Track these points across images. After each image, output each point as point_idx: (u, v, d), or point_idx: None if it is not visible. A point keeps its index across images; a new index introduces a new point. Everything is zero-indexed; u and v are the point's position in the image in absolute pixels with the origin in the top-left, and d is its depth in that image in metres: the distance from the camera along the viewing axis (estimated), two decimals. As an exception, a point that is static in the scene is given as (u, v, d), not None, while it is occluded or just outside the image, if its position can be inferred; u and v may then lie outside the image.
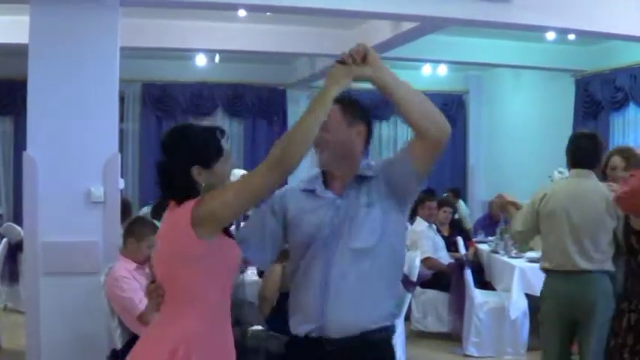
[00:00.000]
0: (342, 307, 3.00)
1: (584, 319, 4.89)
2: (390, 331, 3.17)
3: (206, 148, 3.01)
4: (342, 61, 2.94)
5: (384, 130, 13.68)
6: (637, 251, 4.04)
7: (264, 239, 3.18)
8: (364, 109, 3.21)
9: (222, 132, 3.10)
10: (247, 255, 3.13)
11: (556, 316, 5.02)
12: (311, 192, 3.18)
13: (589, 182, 5.04)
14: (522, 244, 5.19)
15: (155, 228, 5.65)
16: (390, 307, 3.16)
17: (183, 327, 2.89)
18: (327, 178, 3.20)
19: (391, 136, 13.76)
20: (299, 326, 3.08)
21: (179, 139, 3.08)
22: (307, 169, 3.26)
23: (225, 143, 3.06)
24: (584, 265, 4.88)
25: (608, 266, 4.90)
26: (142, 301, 5.16)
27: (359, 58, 2.93)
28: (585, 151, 5.06)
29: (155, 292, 3.02)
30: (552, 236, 5.01)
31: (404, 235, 3.31)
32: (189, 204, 2.91)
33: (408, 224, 9.61)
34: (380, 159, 3.19)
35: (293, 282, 3.17)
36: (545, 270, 5.15)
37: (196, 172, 2.98)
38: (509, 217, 5.51)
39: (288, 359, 3.29)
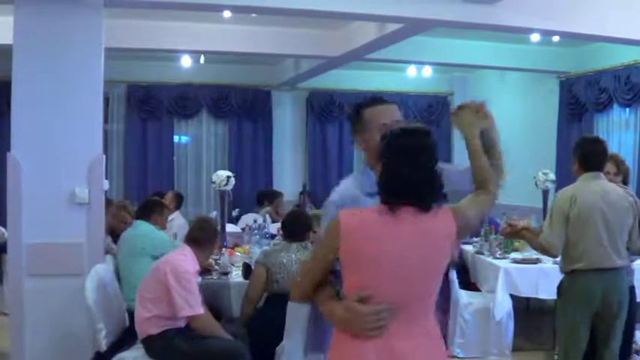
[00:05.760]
0: None
1: (611, 314, 5.12)
2: None
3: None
4: (462, 107, 3.28)
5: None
6: None
7: None
8: None
9: None
10: None
11: (587, 314, 5.17)
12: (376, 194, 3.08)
13: (607, 183, 5.27)
14: (558, 253, 5.30)
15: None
16: None
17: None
18: None
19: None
20: None
21: (431, 139, 2.94)
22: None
23: None
24: (617, 262, 5.12)
25: (628, 262, 5.24)
26: (200, 304, 5.23)
27: (481, 109, 3.25)
28: (598, 155, 5.29)
29: (386, 313, 2.82)
30: (588, 237, 5.13)
31: None
32: (445, 212, 2.89)
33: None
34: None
35: None
36: (573, 271, 5.22)
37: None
38: (526, 241, 5.75)
39: None
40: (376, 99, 3.38)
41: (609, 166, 5.48)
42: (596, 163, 5.26)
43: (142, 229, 6.71)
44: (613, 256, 5.10)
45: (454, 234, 2.87)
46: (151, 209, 6.89)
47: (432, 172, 2.86)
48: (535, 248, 5.51)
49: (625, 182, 5.54)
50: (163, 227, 7.00)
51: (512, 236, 5.72)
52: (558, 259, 5.46)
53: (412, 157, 2.84)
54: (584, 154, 5.28)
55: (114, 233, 7.25)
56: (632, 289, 5.30)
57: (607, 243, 5.10)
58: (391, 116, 3.27)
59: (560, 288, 5.33)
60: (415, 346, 2.85)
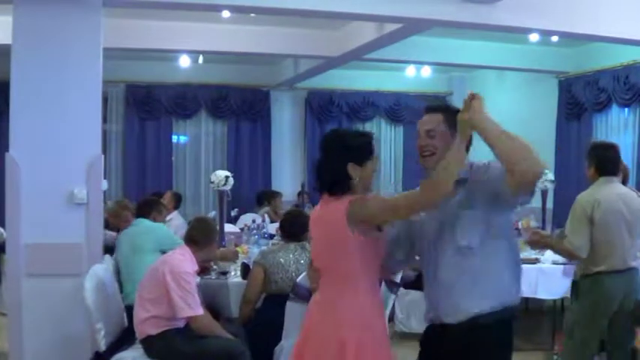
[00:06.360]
0: (451, 297, 3.37)
1: (628, 313, 5.30)
2: (499, 314, 3.36)
3: (360, 147, 3.48)
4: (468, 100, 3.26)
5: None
6: None
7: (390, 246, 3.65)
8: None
9: (373, 135, 3.67)
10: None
11: (606, 316, 5.29)
12: None
13: (622, 186, 5.42)
14: (585, 255, 5.33)
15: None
16: (505, 292, 3.40)
17: (345, 311, 3.41)
18: None
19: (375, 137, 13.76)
20: (426, 314, 3.58)
21: (338, 139, 3.55)
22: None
23: (375, 146, 3.57)
24: (632, 263, 5.28)
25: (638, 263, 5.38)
26: (199, 305, 5.20)
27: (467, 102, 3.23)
28: (611, 161, 5.40)
29: (315, 274, 3.58)
30: (612, 239, 5.21)
31: (510, 230, 3.59)
32: (344, 200, 3.39)
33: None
34: (475, 163, 3.47)
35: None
36: (595, 273, 5.27)
37: (351, 168, 3.41)
38: (552, 248, 5.76)
39: (423, 344, 3.78)
40: (425, 108, 3.60)
41: None
42: (611, 169, 5.36)
43: (144, 225, 6.79)
44: (630, 257, 5.24)
45: (344, 219, 3.34)
46: (150, 207, 7.02)
47: (339, 165, 3.43)
48: (561, 253, 5.59)
49: (624, 182, 5.58)
50: (162, 227, 7.06)
51: (537, 244, 5.83)
52: (561, 260, 5.50)
53: (326, 152, 3.52)
54: (599, 160, 5.38)
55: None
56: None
57: (627, 246, 5.23)
58: (423, 126, 3.49)
59: (578, 290, 5.37)
60: (320, 310, 3.54)
